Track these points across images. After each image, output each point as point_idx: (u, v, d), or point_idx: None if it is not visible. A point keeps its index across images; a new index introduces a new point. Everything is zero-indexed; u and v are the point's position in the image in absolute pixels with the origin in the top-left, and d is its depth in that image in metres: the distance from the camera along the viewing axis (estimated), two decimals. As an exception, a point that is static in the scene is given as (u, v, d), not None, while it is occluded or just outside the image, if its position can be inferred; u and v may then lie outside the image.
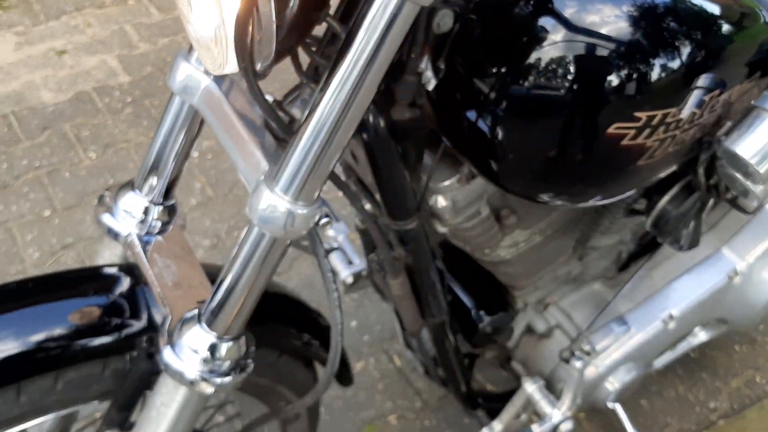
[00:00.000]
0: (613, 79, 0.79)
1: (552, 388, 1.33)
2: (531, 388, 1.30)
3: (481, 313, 1.28)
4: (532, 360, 1.38)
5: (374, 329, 1.87)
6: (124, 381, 0.94)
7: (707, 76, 0.84)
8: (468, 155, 0.93)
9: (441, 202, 1.04)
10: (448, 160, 1.01)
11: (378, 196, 1.01)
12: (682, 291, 1.34)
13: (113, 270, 0.98)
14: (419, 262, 1.08)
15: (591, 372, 1.31)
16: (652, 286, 1.35)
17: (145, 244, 0.98)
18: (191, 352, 0.86)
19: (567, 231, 1.23)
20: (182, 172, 1.00)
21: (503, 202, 1.11)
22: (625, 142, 0.82)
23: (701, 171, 0.96)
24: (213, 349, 0.87)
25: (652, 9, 0.82)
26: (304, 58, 0.87)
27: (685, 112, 0.84)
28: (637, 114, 0.80)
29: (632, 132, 0.81)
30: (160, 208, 1.00)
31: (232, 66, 0.70)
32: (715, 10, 0.86)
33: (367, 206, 1.10)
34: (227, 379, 0.88)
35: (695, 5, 0.85)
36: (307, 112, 0.73)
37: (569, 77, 0.79)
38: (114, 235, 0.99)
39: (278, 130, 0.80)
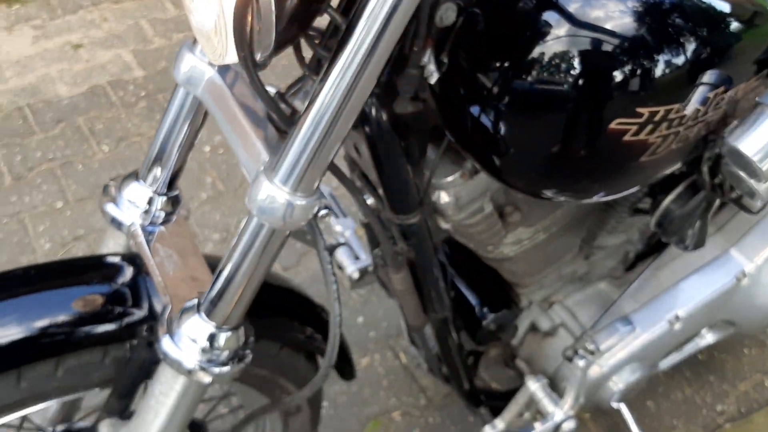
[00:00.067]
0: (616, 75, 0.79)
1: (555, 387, 1.32)
2: (534, 386, 1.30)
3: (485, 310, 1.27)
4: (535, 358, 1.37)
5: (380, 326, 1.87)
6: (125, 369, 0.95)
7: (712, 73, 0.83)
8: (471, 150, 0.92)
9: (444, 197, 1.04)
10: (451, 156, 1.00)
11: (381, 191, 1.01)
12: (688, 292, 1.33)
13: (116, 259, 0.99)
14: (421, 257, 1.08)
15: (595, 371, 1.30)
16: (658, 287, 1.34)
17: (148, 234, 0.99)
18: (190, 342, 0.87)
19: (572, 229, 1.22)
20: (186, 162, 1.00)
21: (507, 199, 1.11)
22: (627, 137, 0.81)
23: (705, 169, 0.95)
24: (211, 338, 0.87)
25: (657, 5, 0.82)
26: (309, 51, 0.87)
27: (689, 108, 0.83)
28: (640, 110, 0.80)
29: (634, 128, 0.81)
30: (164, 198, 1.00)
31: (232, 56, 0.70)
32: (722, 7, 0.86)
33: (370, 200, 1.10)
34: (225, 368, 0.88)
35: (701, 1, 0.84)
36: (306, 104, 0.73)
37: (571, 72, 0.79)
38: (118, 224, 1.00)
39: (279, 121, 0.81)
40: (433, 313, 1.18)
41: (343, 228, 1.48)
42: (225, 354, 0.88)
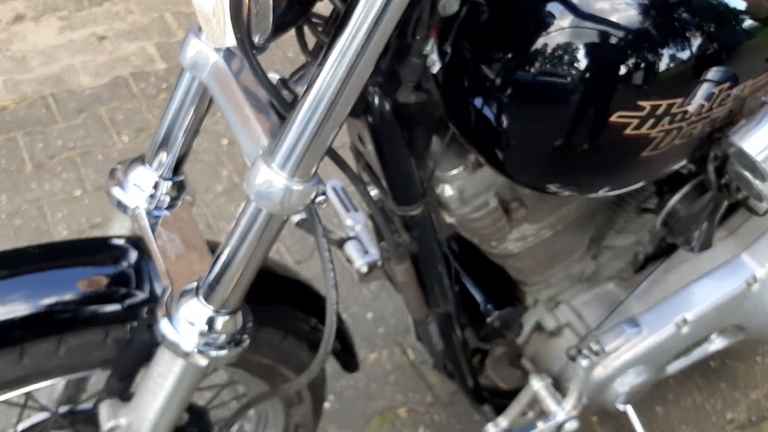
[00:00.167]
0: (617, 67, 0.78)
1: (560, 387, 1.31)
2: (537, 385, 1.29)
3: (490, 307, 1.27)
4: (540, 357, 1.36)
5: (389, 322, 1.87)
6: (125, 350, 0.96)
7: (718, 69, 0.82)
8: (473, 142, 0.92)
9: (448, 191, 1.04)
10: (456, 148, 1.00)
11: (384, 182, 1.01)
12: (697, 295, 1.31)
13: (121, 242, 1.00)
14: (424, 250, 1.08)
15: (599, 372, 1.29)
16: (667, 289, 1.33)
17: (153, 218, 1.00)
18: (188, 325, 0.87)
19: (579, 228, 1.21)
20: (191, 148, 1.01)
21: (513, 195, 1.10)
22: (628, 131, 0.81)
23: (711, 168, 0.94)
24: (209, 322, 0.88)
25: (664, -1, 0.81)
26: (313, 39, 0.88)
27: (693, 104, 0.82)
28: (641, 103, 0.79)
29: (636, 121, 0.80)
30: (169, 183, 1.01)
31: (230, 38, 0.70)
32: (731, 3, 0.85)
33: (374, 192, 1.10)
34: (222, 352, 0.88)
35: (710, -3, 0.84)
36: (305, 88, 0.74)
37: (572, 63, 0.78)
38: (123, 208, 1.01)
39: (280, 107, 0.81)
40: (436, 307, 1.17)
41: (354, 222, 1.49)
42: (222, 338, 0.89)
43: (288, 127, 0.75)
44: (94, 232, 2.12)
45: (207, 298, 0.87)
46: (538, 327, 1.35)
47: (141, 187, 1.01)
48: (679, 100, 0.81)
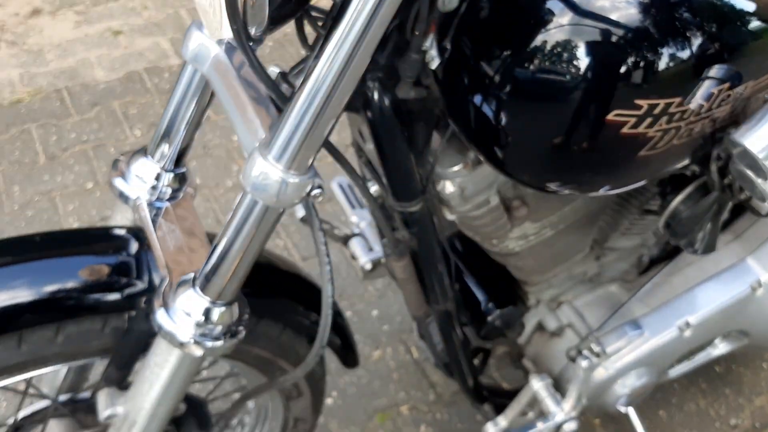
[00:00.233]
0: (615, 65, 0.78)
1: (560, 388, 1.31)
2: (537, 385, 1.28)
3: (491, 305, 1.27)
4: (542, 358, 1.36)
5: (394, 320, 1.87)
6: (123, 339, 0.97)
7: (717, 69, 0.82)
8: (472, 139, 0.92)
9: (449, 187, 1.03)
10: (456, 146, 1.00)
11: (384, 178, 1.01)
12: (701, 298, 1.30)
13: (122, 232, 1.01)
14: (424, 246, 1.08)
15: (600, 374, 1.29)
16: (670, 292, 1.32)
17: (154, 209, 1.01)
18: (184, 315, 0.88)
19: (581, 228, 1.21)
20: (194, 140, 1.02)
21: (514, 193, 1.10)
22: (625, 130, 0.80)
23: (714, 168, 0.93)
24: (206, 313, 0.88)
25: (665, -3, 0.81)
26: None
27: (692, 103, 0.82)
28: (638, 102, 0.79)
29: (633, 120, 0.79)
30: (171, 175, 1.02)
31: (227, 30, 0.71)
32: (730, 3, 0.84)
33: (375, 188, 1.10)
34: (218, 343, 0.89)
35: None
36: (301, 81, 0.74)
37: (570, 61, 0.78)
38: (125, 198, 1.02)
39: (278, 99, 0.81)
40: (436, 304, 1.17)
41: (359, 219, 1.49)
42: (218, 329, 0.89)
43: (284, 120, 0.75)
44: (104, 225, 2.13)
45: (203, 289, 0.88)
46: (540, 327, 1.35)
47: (143, 178, 1.01)
48: (677, 100, 0.80)
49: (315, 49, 0.72)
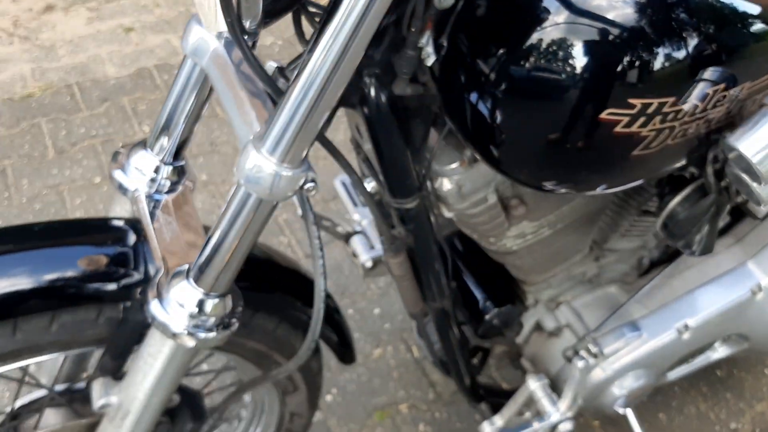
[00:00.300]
0: (609, 64, 0.78)
1: (557, 388, 1.31)
2: (534, 385, 1.28)
3: (489, 304, 1.27)
4: (539, 358, 1.36)
5: (396, 318, 1.87)
6: (118, 330, 0.97)
7: (712, 70, 0.81)
8: (469, 137, 0.92)
9: (446, 185, 1.04)
10: (454, 143, 1.01)
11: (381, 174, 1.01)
12: (700, 301, 1.30)
13: (120, 223, 1.02)
14: (420, 243, 1.08)
15: (597, 374, 1.28)
16: (669, 294, 1.31)
17: (152, 201, 1.02)
18: (178, 306, 0.89)
19: (580, 228, 1.21)
20: (193, 133, 1.02)
21: (512, 192, 1.10)
22: (618, 128, 0.80)
23: (710, 171, 0.93)
24: (199, 304, 0.89)
25: (662, -3, 0.80)
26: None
27: (686, 103, 0.81)
28: (632, 101, 0.78)
29: (626, 119, 0.79)
30: (170, 167, 1.03)
31: (222, 23, 0.71)
32: (728, 4, 0.84)
33: (373, 184, 1.11)
34: (211, 334, 0.90)
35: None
36: (295, 75, 0.74)
37: (564, 60, 0.78)
38: (124, 190, 1.02)
39: (273, 93, 0.82)
40: (432, 302, 1.18)
41: (361, 217, 1.50)
42: (211, 320, 0.90)
43: (278, 113, 0.76)
44: (111, 219, 2.15)
45: (197, 280, 0.88)
46: (538, 327, 1.35)
47: (142, 170, 1.02)
48: (671, 99, 0.80)
49: (310, 43, 0.73)
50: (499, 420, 1.34)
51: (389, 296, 1.92)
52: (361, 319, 1.88)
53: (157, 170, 1.02)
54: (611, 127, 0.80)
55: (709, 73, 0.81)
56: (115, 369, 1.02)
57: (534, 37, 0.79)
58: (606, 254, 1.30)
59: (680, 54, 0.79)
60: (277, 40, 2.80)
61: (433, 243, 1.09)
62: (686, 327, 1.28)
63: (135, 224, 1.01)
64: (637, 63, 0.78)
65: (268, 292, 1.13)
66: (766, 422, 1.67)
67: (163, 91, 2.59)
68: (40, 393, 1.10)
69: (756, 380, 1.74)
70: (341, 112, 1.03)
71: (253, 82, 0.86)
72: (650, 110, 0.79)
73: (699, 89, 0.81)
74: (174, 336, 0.89)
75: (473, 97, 0.85)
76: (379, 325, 1.87)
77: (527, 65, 0.80)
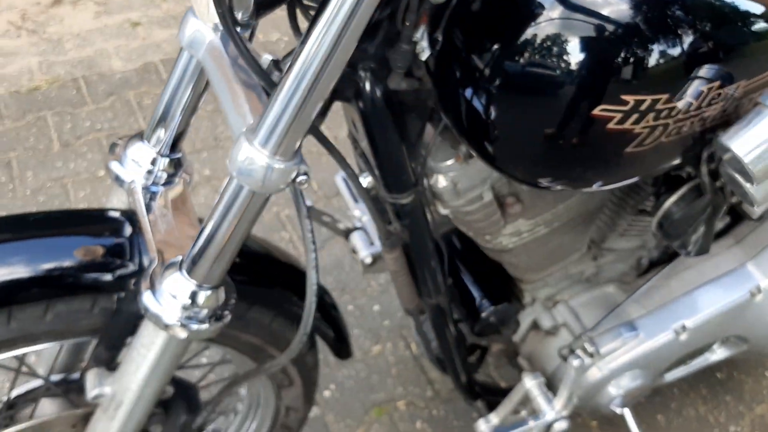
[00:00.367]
0: (602, 60, 0.78)
1: (553, 387, 1.31)
2: (530, 383, 1.28)
3: (485, 302, 1.27)
4: (536, 356, 1.36)
5: (396, 315, 1.87)
6: (112, 320, 0.98)
7: (707, 68, 0.81)
8: (464, 133, 0.92)
9: (441, 181, 1.04)
10: (450, 139, 1.00)
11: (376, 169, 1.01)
12: (698, 302, 1.29)
13: (116, 214, 1.02)
14: (416, 239, 1.08)
15: (594, 374, 1.28)
16: (667, 294, 1.31)
17: (149, 193, 1.02)
18: (170, 298, 0.89)
19: (577, 227, 1.20)
20: (189, 125, 1.03)
21: (508, 190, 1.10)
22: (611, 125, 0.80)
23: (705, 170, 0.93)
24: (192, 296, 0.89)
25: (658, -6, 0.80)
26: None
27: (681, 101, 0.81)
28: (625, 97, 0.78)
29: (619, 115, 0.79)
30: (167, 160, 1.03)
31: (214, 14, 0.72)
32: (726, 2, 0.83)
33: (369, 179, 1.11)
34: (203, 326, 0.90)
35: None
36: (287, 67, 0.74)
37: (557, 55, 0.78)
38: (120, 182, 1.03)
39: (266, 85, 0.82)
40: (428, 298, 1.17)
41: (361, 213, 1.50)
42: (204, 312, 0.90)
43: (270, 105, 0.76)
44: (114, 212, 2.16)
45: (190, 272, 0.89)
46: (535, 325, 1.35)
47: (139, 162, 1.02)
48: (664, 96, 0.80)
49: (303, 35, 0.73)
50: (494, 418, 1.33)
51: (389, 293, 1.92)
52: (360, 315, 1.88)
53: (153, 162, 1.03)
54: (604, 123, 0.80)
55: (704, 70, 0.81)
56: (109, 360, 1.02)
57: (528, 33, 0.79)
58: (604, 254, 1.30)
59: (674, 51, 0.79)
60: (283, 36, 2.80)
61: (428, 239, 1.09)
62: (684, 328, 1.28)
63: (131, 215, 1.02)
64: (630, 59, 0.78)
65: (264, 286, 1.14)
66: (765, 425, 1.66)
67: (169, 85, 2.60)
68: (36, 383, 1.11)
69: (756, 383, 1.73)
70: (340, 108, 1.03)
71: (248, 75, 0.86)
72: (643, 107, 0.79)
73: (693, 87, 0.81)
74: (166, 327, 0.89)
75: (468, 92, 0.85)
76: (378, 322, 1.87)
77: (522, 60, 0.80)
